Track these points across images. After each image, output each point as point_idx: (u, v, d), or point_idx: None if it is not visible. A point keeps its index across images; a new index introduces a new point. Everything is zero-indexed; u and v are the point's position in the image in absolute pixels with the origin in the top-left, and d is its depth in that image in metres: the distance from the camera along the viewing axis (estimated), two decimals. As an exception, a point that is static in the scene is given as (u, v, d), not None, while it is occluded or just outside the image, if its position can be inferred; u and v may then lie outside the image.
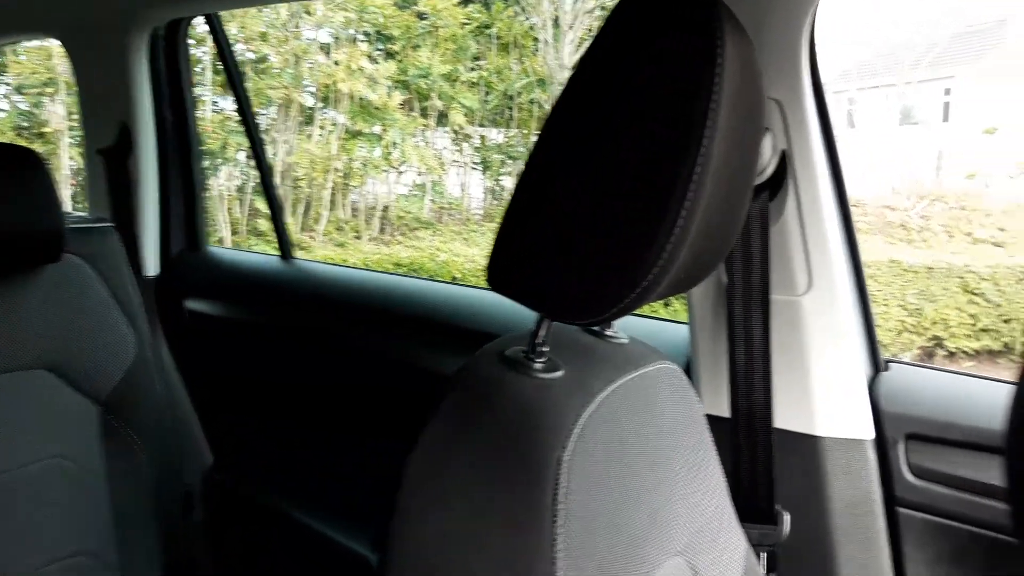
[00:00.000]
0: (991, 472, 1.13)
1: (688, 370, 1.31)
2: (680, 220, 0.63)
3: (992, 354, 6.26)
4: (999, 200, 8.18)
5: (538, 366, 0.72)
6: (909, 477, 1.19)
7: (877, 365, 1.28)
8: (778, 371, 1.18)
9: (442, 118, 7.91)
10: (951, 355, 6.19)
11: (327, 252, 6.79)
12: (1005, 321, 6.24)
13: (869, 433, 1.19)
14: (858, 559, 1.17)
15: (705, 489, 0.87)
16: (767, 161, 1.14)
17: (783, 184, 1.17)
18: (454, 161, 8.28)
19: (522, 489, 0.63)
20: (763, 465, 1.18)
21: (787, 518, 1.16)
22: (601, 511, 0.67)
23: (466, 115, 7.84)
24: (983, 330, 6.19)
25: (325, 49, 7.57)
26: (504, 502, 0.63)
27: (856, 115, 13.72)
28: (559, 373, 0.72)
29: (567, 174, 0.67)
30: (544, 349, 0.73)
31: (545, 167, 0.69)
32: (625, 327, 0.88)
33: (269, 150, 7.27)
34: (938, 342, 6.22)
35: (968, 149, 9.85)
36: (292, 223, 7.20)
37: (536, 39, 8.00)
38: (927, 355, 6.18)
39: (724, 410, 1.22)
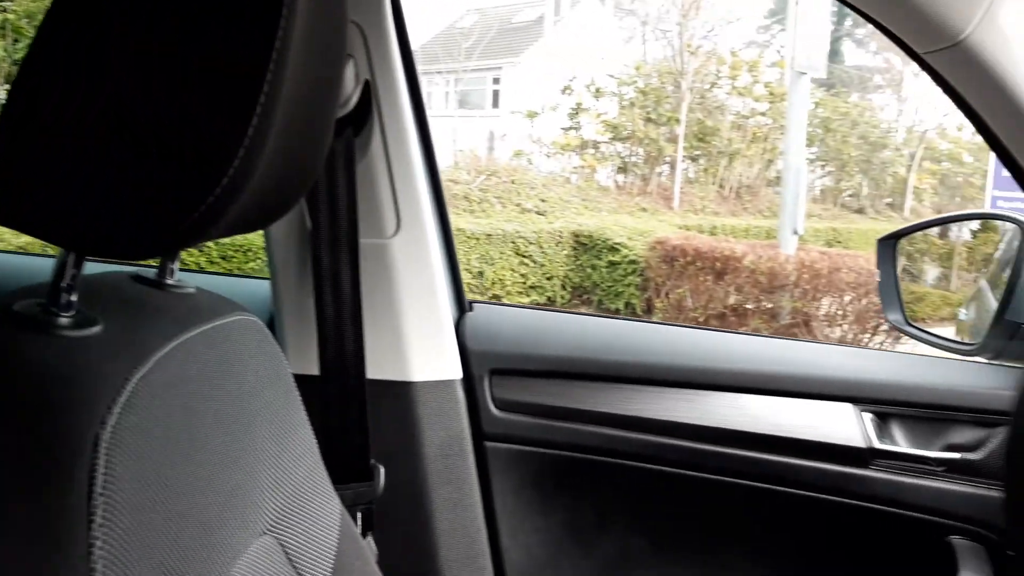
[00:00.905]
0: (563, 396, 1.22)
1: (272, 328, 1.18)
2: (249, 135, 0.50)
3: (540, 307, 7.26)
4: (540, 175, 9.48)
5: (64, 321, 0.52)
6: (494, 411, 1.23)
7: (462, 306, 1.30)
8: (369, 319, 1.12)
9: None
10: (508, 311, 7.00)
11: None
12: (548, 278, 7.27)
13: (457, 373, 1.19)
14: (451, 499, 1.18)
15: (295, 455, 0.76)
16: (350, 91, 1.06)
17: (368, 120, 1.11)
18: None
19: (37, 488, 0.45)
20: (356, 420, 1.11)
21: (382, 472, 1.11)
22: (161, 498, 0.52)
23: (-14, 63, 6.40)
24: (532, 287, 7.13)
25: None
26: (10, 516, 0.44)
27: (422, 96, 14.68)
28: (95, 329, 0.54)
29: (94, 59, 0.49)
30: (72, 299, 0.54)
31: (60, 48, 0.50)
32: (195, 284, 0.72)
33: None
34: (497, 299, 6.99)
35: (514, 131, 11.22)
36: None
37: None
38: (490, 312, 6.91)
39: (313, 368, 1.12)
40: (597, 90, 10.66)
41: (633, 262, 6.90)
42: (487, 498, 1.23)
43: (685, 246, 6.39)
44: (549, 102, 10.68)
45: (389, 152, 1.12)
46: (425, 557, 1.17)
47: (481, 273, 6.88)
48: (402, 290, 1.14)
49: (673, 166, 10.45)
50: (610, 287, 7.09)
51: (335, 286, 1.09)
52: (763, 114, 11.18)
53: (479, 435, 1.22)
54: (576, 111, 10.60)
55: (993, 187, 6.71)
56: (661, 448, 1.18)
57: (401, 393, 1.15)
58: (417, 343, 1.16)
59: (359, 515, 1.09)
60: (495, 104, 16.52)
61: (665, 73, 10.93)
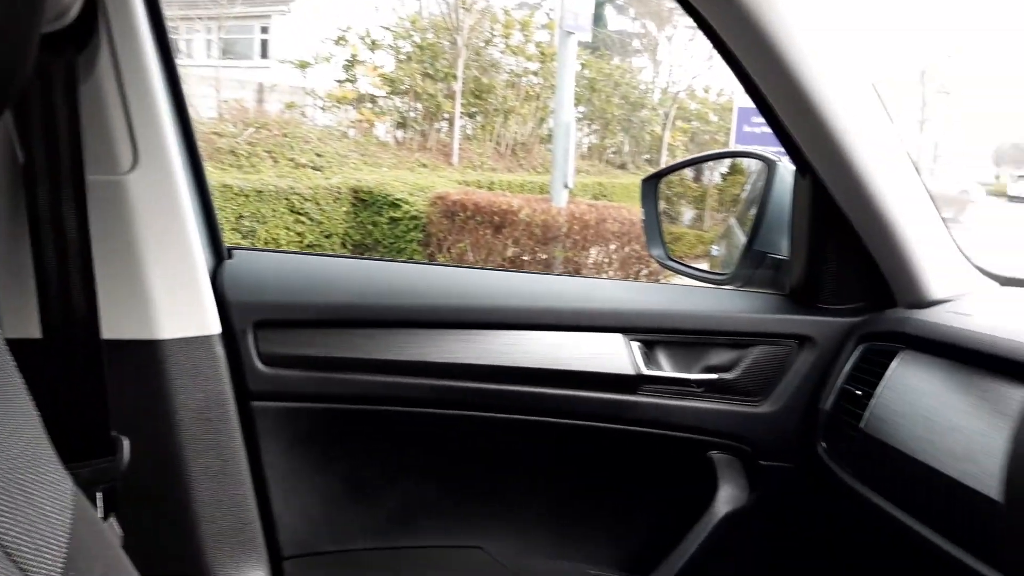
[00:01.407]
0: (337, 345, 1.14)
1: None
2: None
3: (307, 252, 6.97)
4: (315, 128, 9.07)
5: None
6: (260, 367, 1.12)
7: (220, 253, 1.17)
8: (103, 269, 0.96)
9: None
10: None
11: None
12: (327, 236, 7.01)
13: (215, 327, 1.07)
14: (212, 468, 1.07)
15: (8, 431, 0.63)
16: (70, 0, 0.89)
17: (93, 35, 0.94)
18: None
19: None
20: (91, 388, 0.96)
21: (126, 444, 0.97)
22: None
23: None
24: (309, 245, 6.84)
25: None
26: None
27: (180, 44, 13.43)
28: None
29: None
30: None
31: None
32: None
33: None
34: (273, 260, 6.61)
35: (285, 82, 10.62)
36: None
37: None
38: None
39: (34, 330, 0.94)
40: (373, 42, 10.36)
41: (414, 218, 6.85)
42: (255, 462, 1.13)
43: (465, 201, 6.44)
44: (322, 53, 10.21)
45: (121, 73, 0.96)
46: (183, 534, 1.05)
47: (252, 232, 6.47)
48: (143, 235, 1.00)
49: (451, 122, 10.47)
50: (392, 243, 7.00)
51: (57, 232, 0.92)
52: (535, 73, 11.51)
53: (243, 394, 1.11)
54: (351, 63, 10.23)
55: (736, 142, 7.48)
56: (443, 391, 1.15)
57: (146, 354, 1.02)
58: (164, 296, 1.02)
59: (99, 495, 0.95)
60: (264, 54, 15.60)
61: (441, 29, 10.85)
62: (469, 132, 11.17)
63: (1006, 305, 1.03)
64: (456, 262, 6.30)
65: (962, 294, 1.04)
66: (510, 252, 6.07)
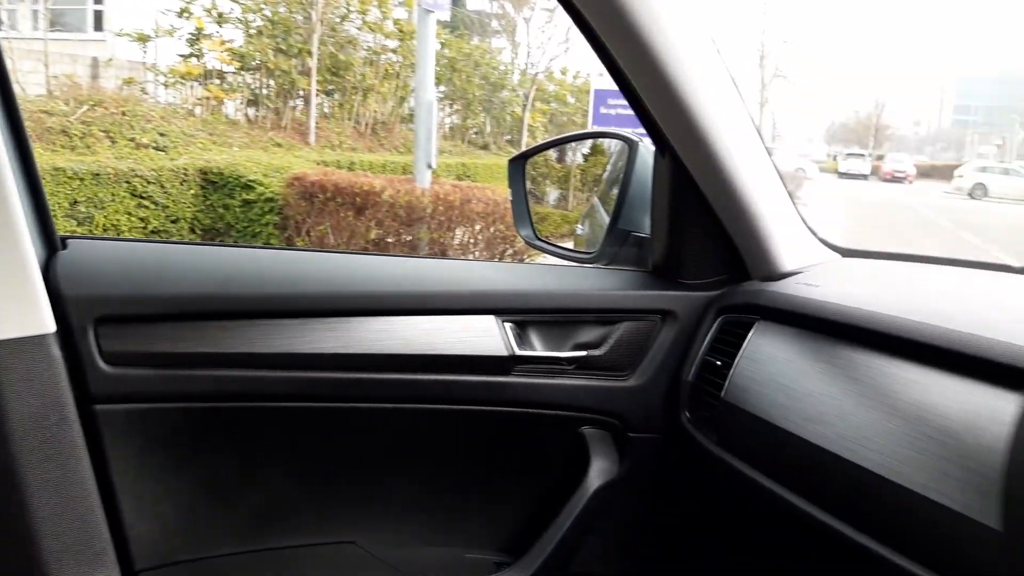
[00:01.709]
0: (191, 340, 1.06)
1: None
2: None
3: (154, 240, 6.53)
4: (157, 106, 8.48)
5: None
6: (103, 367, 1.03)
7: (52, 244, 1.06)
8: None
9: None
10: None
11: None
12: (173, 221, 6.60)
13: (49, 326, 0.97)
14: (52, 479, 0.97)
15: None
16: None
17: None
18: None
19: None
20: None
21: None
22: None
23: None
24: (154, 232, 6.41)
25: None
26: None
27: (1, 14, 12.14)
28: None
29: None
30: None
31: None
32: None
33: None
34: (115, 249, 6.14)
35: (123, 56, 9.84)
36: None
37: None
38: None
39: None
40: (220, 15, 9.77)
41: (270, 200, 6.55)
42: (102, 470, 1.04)
43: (324, 182, 6.23)
44: (164, 25, 9.52)
45: None
46: (22, 553, 0.95)
47: (90, 218, 5.99)
48: None
49: (307, 100, 10.08)
50: (246, 227, 6.67)
51: None
52: (394, 51, 11.27)
53: (85, 398, 1.02)
54: (196, 37, 9.61)
55: (593, 123, 7.70)
56: (311, 383, 1.10)
57: None
58: None
59: None
60: (98, 26, 14.49)
61: (294, 2, 10.39)
62: (327, 110, 10.81)
63: (848, 275, 1.11)
64: (316, 246, 6.10)
65: (810, 266, 1.10)
66: (373, 234, 5.94)
